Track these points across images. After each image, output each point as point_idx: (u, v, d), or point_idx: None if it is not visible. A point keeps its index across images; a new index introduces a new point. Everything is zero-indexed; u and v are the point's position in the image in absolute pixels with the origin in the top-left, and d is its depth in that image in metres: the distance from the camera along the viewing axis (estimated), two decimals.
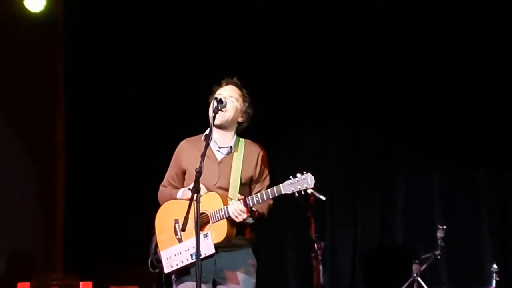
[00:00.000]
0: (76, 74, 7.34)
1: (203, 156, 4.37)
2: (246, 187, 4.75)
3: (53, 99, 7.42)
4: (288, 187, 4.49)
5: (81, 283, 6.25)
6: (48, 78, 7.36)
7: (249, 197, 4.57)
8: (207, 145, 4.46)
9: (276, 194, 4.52)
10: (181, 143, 4.90)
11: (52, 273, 6.66)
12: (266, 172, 4.83)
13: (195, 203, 4.27)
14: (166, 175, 4.92)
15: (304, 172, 4.47)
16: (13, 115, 7.07)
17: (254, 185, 4.79)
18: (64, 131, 7.42)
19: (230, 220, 4.55)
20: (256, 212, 4.66)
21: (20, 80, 7.08)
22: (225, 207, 4.56)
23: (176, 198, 4.77)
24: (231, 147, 4.78)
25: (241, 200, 4.56)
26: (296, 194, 4.49)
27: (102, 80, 7.28)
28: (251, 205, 4.56)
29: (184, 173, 4.84)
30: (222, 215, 4.55)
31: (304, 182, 4.46)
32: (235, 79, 4.89)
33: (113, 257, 6.98)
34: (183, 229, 4.44)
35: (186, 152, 4.79)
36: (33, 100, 7.18)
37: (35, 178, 7.23)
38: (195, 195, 4.27)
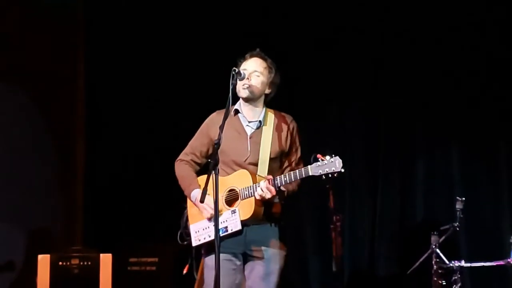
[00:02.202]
0: (96, 48, 7.34)
1: (221, 128, 4.39)
2: (277, 161, 4.77)
3: (73, 74, 7.43)
4: (316, 169, 4.48)
5: (101, 255, 6.29)
6: (69, 53, 7.36)
7: (277, 177, 4.58)
8: (225, 117, 4.46)
9: (304, 176, 4.52)
10: (212, 115, 4.90)
11: (72, 246, 6.71)
12: (297, 143, 4.84)
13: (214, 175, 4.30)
14: (190, 147, 4.91)
15: (333, 155, 4.47)
16: (33, 91, 7.08)
17: (285, 158, 4.80)
18: (84, 104, 7.44)
19: (256, 199, 4.58)
20: (285, 192, 4.70)
21: (40, 55, 7.09)
22: (254, 185, 4.57)
23: (188, 197, 4.79)
24: (260, 121, 4.78)
25: (269, 180, 4.56)
26: (323, 177, 4.49)
27: (123, 54, 7.26)
28: (279, 185, 4.58)
29: (212, 146, 4.78)
30: (251, 192, 4.57)
31: (332, 165, 4.45)
32: (258, 51, 4.86)
33: (132, 230, 7.01)
34: (201, 201, 4.48)
35: (217, 126, 4.68)
36: (53, 76, 7.19)
37: (55, 151, 7.26)
38: (214, 167, 4.29)
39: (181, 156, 4.93)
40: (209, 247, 4.69)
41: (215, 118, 4.84)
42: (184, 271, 4.85)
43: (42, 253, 6.31)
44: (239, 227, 4.59)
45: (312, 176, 4.50)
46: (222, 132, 4.38)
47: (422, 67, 6.80)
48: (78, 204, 7.39)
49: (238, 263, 4.70)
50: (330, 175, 4.48)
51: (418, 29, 6.78)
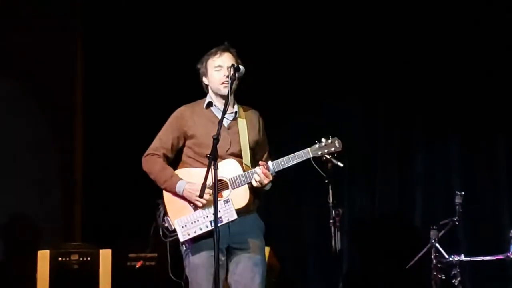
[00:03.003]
0: (95, 39, 7.33)
1: (220, 123, 4.34)
2: (252, 152, 4.74)
3: (72, 65, 7.42)
4: (315, 150, 4.51)
5: (100, 250, 6.29)
6: (67, 44, 7.35)
7: (274, 162, 4.57)
8: (224, 112, 4.44)
9: (304, 158, 4.53)
10: (180, 109, 4.83)
11: (72, 242, 6.71)
12: (265, 136, 4.84)
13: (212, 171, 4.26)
14: (160, 141, 4.82)
15: (330, 137, 4.48)
16: (32, 84, 7.08)
17: (259, 149, 4.79)
18: (83, 99, 7.43)
19: (250, 186, 4.57)
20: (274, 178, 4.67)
21: (38, 46, 7.09)
22: (245, 173, 4.55)
23: (172, 190, 4.69)
24: (235, 112, 4.77)
25: (264, 166, 4.55)
26: (324, 158, 4.49)
27: (121, 45, 7.25)
28: (275, 170, 4.56)
29: (183, 140, 4.78)
30: (243, 180, 4.55)
31: (332, 145, 4.50)
32: (227, 45, 4.80)
33: (132, 226, 7.00)
34: (200, 196, 4.44)
35: (190, 119, 4.73)
36: (51, 67, 7.18)
37: (54, 148, 7.25)
38: (213, 162, 4.24)
39: (151, 150, 4.85)
40: (194, 246, 4.64)
41: (184, 111, 4.80)
42: (138, 265, 4.79)
43: (41, 249, 6.31)
44: (235, 216, 4.54)
45: (313, 158, 4.51)
46: (221, 128, 4.34)
47: (421, 61, 6.81)
48: (77, 200, 7.38)
49: (223, 258, 4.64)
50: (330, 156, 4.49)
51: (417, 24, 6.78)
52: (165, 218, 4.71)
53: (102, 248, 6.31)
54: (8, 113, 6.94)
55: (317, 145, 4.52)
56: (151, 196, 6.80)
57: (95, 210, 7.21)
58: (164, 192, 4.76)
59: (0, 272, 6.68)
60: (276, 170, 4.58)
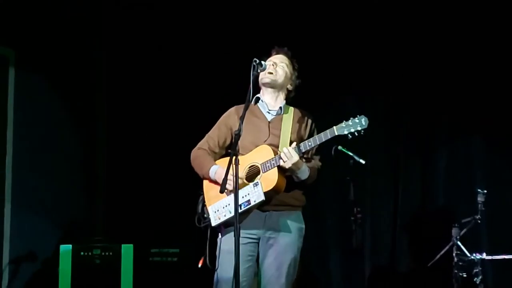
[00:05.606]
0: (117, 37, 7.37)
1: (242, 118, 4.39)
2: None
3: (95, 63, 7.45)
4: (341, 129, 4.51)
5: (122, 246, 6.32)
6: (90, 43, 7.38)
7: (301, 144, 4.60)
8: (246, 108, 4.46)
9: (329, 136, 4.54)
10: (231, 109, 4.96)
11: (94, 236, 6.75)
12: (315, 135, 4.84)
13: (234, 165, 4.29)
14: (207, 137, 4.94)
15: (358, 115, 4.48)
16: (56, 81, 7.13)
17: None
18: (106, 101, 7.46)
19: (280, 170, 4.57)
20: (308, 170, 4.68)
21: (62, 45, 7.14)
22: (276, 156, 4.58)
23: (207, 175, 4.79)
24: (280, 108, 4.86)
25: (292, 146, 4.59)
26: (349, 136, 4.49)
27: (143, 41, 7.29)
28: (303, 150, 4.59)
29: (230, 136, 4.87)
30: (273, 163, 4.57)
31: (358, 124, 4.49)
32: (285, 49, 4.98)
33: (154, 221, 7.03)
34: (221, 192, 4.45)
35: (236, 115, 4.83)
36: (74, 65, 7.23)
37: (77, 144, 7.30)
38: (234, 157, 4.28)
39: (198, 145, 4.97)
40: (226, 232, 4.69)
41: (233, 111, 4.93)
42: (200, 264, 4.83)
43: (64, 243, 6.35)
44: (262, 197, 4.53)
45: (338, 135, 4.51)
46: (242, 123, 4.38)
47: (444, 59, 6.77)
48: (99, 194, 7.42)
49: (254, 249, 4.70)
50: (356, 133, 4.49)
51: (441, 21, 6.75)
52: (204, 208, 4.79)
53: (124, 243, 6.35)
54: (32, 109, 6.99)
55: (343, 123, 4.52)
56: (174, 191, 6.89)
57: (117, 205, 7.25)
58: (204, 181, 4.86)
59: (23, 267, 6.73)
60: (303, 150, 4.60)
